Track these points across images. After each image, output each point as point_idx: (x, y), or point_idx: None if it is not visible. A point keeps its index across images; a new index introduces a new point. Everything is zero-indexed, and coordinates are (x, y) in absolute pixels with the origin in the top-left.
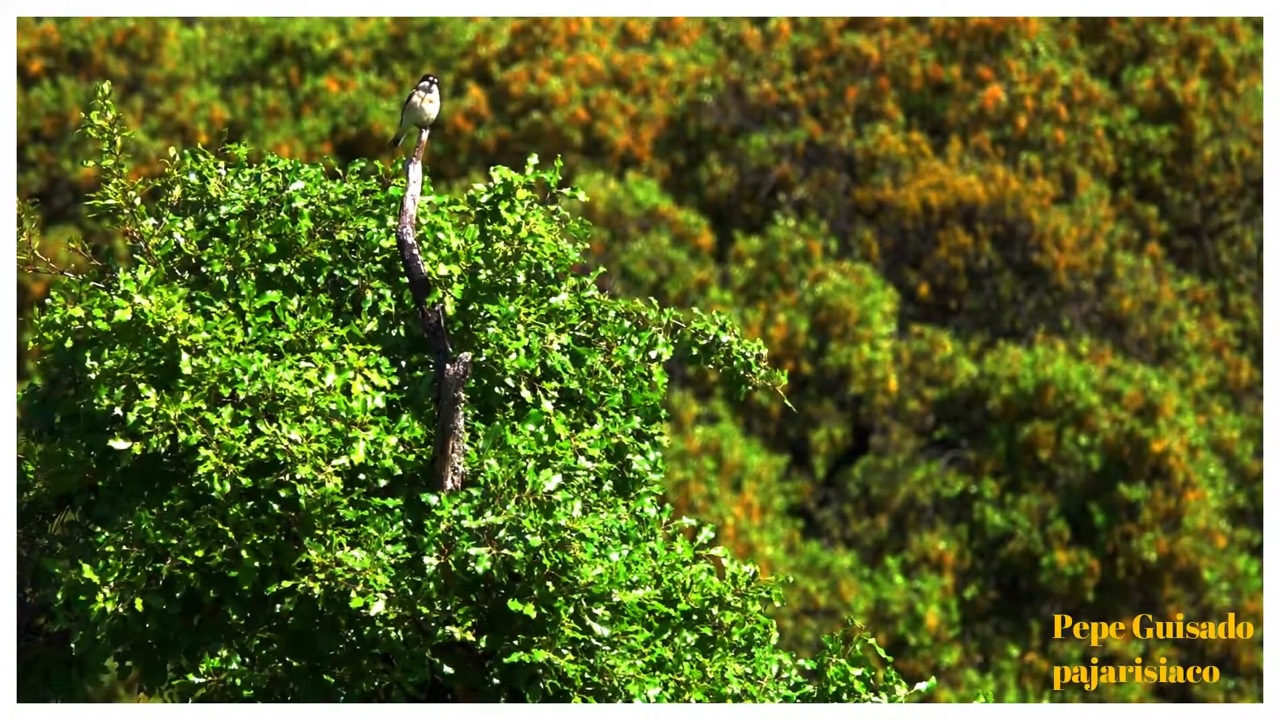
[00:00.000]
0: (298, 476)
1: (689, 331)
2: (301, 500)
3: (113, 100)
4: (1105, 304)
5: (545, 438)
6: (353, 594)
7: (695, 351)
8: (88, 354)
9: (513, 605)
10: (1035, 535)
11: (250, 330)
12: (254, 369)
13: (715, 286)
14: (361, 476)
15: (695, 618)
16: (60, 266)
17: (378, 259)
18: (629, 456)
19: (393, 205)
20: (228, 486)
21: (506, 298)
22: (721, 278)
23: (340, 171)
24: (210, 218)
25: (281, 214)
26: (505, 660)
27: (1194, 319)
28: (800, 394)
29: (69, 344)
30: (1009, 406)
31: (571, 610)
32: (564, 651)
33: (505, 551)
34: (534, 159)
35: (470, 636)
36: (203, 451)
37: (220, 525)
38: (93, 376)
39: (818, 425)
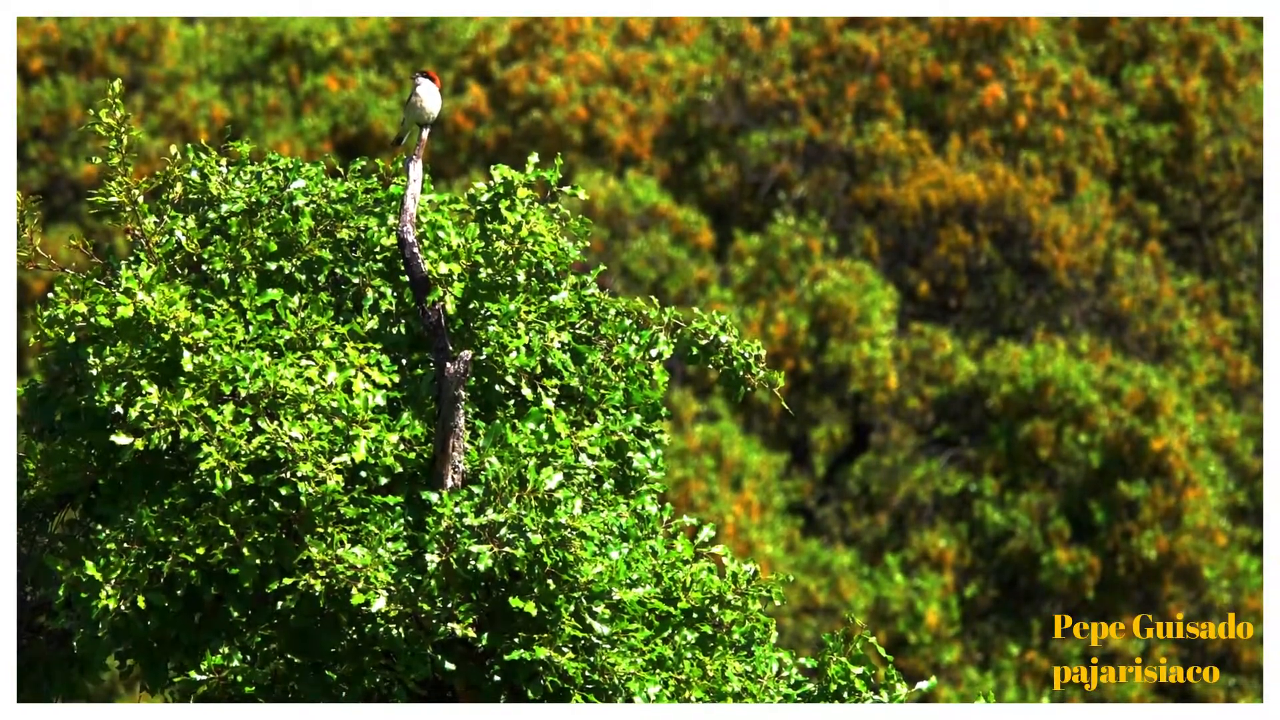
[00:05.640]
0: (299, 474)
1: (689, 331)
2: (303, 498)
3: (119, 99)
4: (1105, 302)
5: (546, 436)
6: (354, 591)
7: (695, 351)
8: (89, 350)
9: (514, 603)
10: (1035, 533)
11: (251, 328)
12: (255, 367)
13: (715, 285)
14: (363, 474)
15: (695, 616)
16: (61, 264)
17: (378, 257)
18: (629, 454)
19: (393, 203)
20: (229, 484)
21: (507, 296)
22: (721, 276)
23: (341, 170)
24: (211, 216)
25: (282, 212)
26: (506, 658)
27: (1194, 317)
28: (800, 392)
29: (71, 339)
30: (1009, 404)
31: (572, 608)
32: (564, 649)
33: (506, 549)
34: (534, 157)
35: (471, 634)
36: (204, 449)
37: (221, 523)
38: (94, 373)
39: (818, 423)
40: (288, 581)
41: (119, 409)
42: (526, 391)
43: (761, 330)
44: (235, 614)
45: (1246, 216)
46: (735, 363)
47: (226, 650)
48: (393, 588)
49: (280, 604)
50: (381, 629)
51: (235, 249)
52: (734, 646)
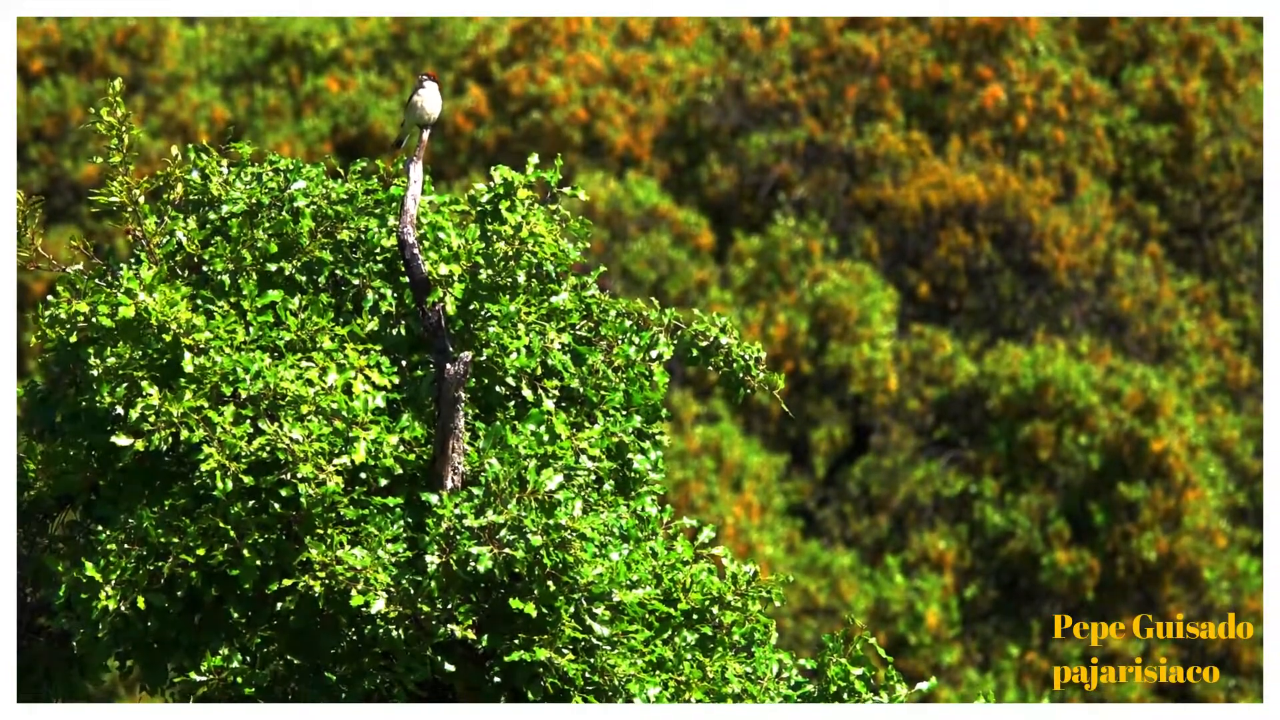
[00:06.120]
0: (299, 475)
1: (689, 332)
2: (303, 499)
3: (120, 98)
4: (1105, 303)
5: (546, 437)
6: (353, 592)
7: (695, 353)
8: (90, 351)
9: (514, 604)
10: (1035, 535)
11: (252, 329)
12: (255, 368)
13: (715, 286)
14: (362, 475)
15: (695, 617)
16: (62, 265)
17: (379, 258)
18: (630, 456)
19: (394, 205)
20: (229, 485)
21: (507, 297)
22: (721, 277)
23: (341, 171)
24: (212, 217)
25: (283, 213)
26: (506, 659)
27: (1194, 318)
28: (800, 393)
29: (73, 339)
30: (1009, 406)
31: (572, 609)
32: (564, 651)
33: (506, 551)
34: (534, 158)
35: (471, 635)
36: (205, 450)
37: (222, 524)
38: (95, 374)
39: (818, 425)
40: (288, 583)
41: (119, 410)
42: (527, 393)
43: (761, 332)
44: (235, 615)
45: (1246, 218)
46: (735, 364)
47: (226, 651)
48: (392, 589)
49: (280, 605)
50: (381, 630)
51: (236, 250)
52: (734, 648)
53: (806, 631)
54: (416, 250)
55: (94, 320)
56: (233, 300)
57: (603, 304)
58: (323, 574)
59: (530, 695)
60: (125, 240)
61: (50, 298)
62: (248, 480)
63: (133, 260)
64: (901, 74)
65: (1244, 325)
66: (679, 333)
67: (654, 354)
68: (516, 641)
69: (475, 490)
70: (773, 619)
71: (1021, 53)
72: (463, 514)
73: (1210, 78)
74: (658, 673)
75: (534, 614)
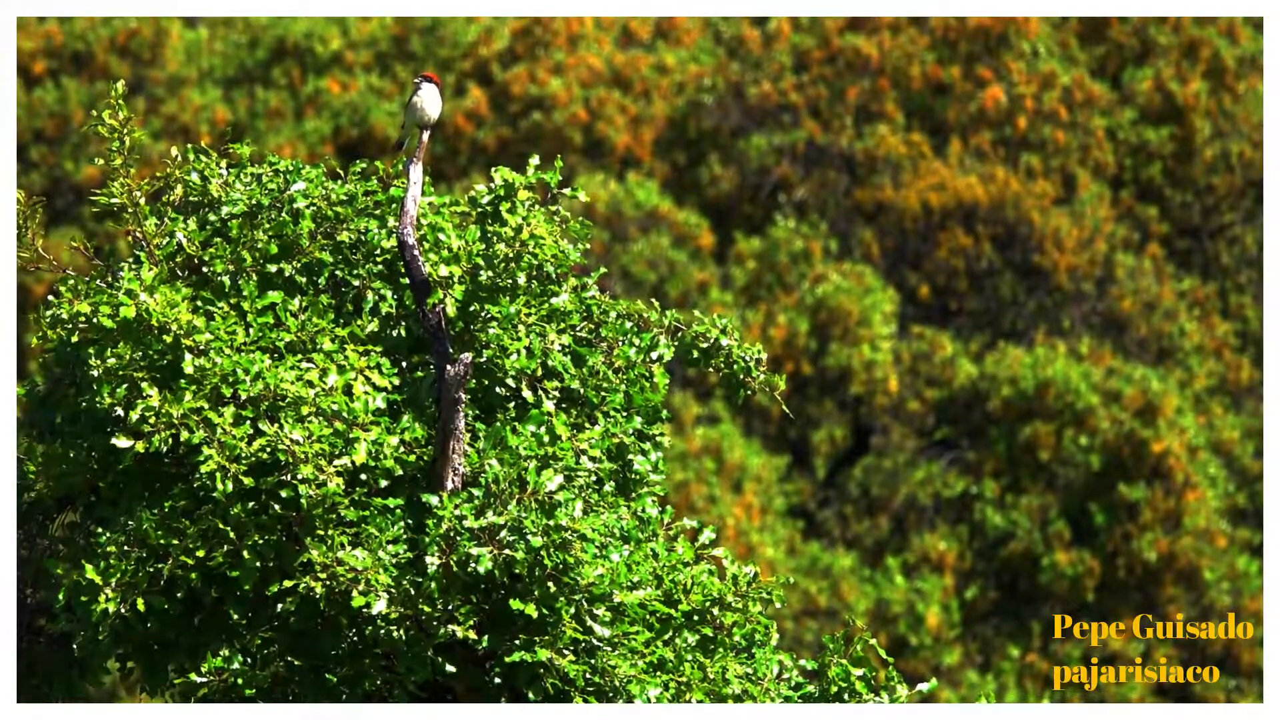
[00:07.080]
0: (299, 476)
1: (690, 334)
2: (303, 500)
3: (123, 100)
4: (1105, 305)
5: (546, 438)
6: (354, 593)
7: (696, 354)
8: (91, 352)
9: (514, 605)
10: (1036, 536)
11: (252, 331)
12: (256, 369)
13: (716, 287)
14: (363, 477)
15: (696, 618)
16: (62, 266)
17: (379, 260)
18: (630, 457)
19: (394, 206)
20: (229, 486)
21: (507, 298)
22: (722, 278)
23: (342, 172)
24: (212, 218)
25: (283, 215)
26: (507, 660)
27: (1194, 319)
28: (801, 395)
29: (74, 340)
30: (1009, 407)
31: (573, 610)
32: (565, 651)
33: (507, 552)
34: (535, 159)
35: (472, 636)
36: (205, 451)
37: (222, 525)
38: (95, 375)
39: (818, 426)
40: (288, 584)
41: (120, 411)
42: (527, 394)
43: (762, 333)
44: (235, 616)
45: (1246, 219)
46: (736, 366)
47: (227, 653)
48: (393, 590)
49: (280, 606)
50: (382, 631)
51: (236, 251)
52: (735, 649)
53: (807, 633)
54: (417, 251)
55: (94, 321)
56: (233, 301)
57: (603, 305)
58: (323, 575)
59: (531, 696)
60: (126, 241)
61: (51, 298)
62: (248, 481)
63: (133, 261)
64: (902, 75)
65: (1244, 326)
66: (679, 334)
67: (654, 355)
68: (517, 642)
69: (475, 491)
70: (773, 620)
71: (1022, 54)
72: (463, 515)
73: (1210, 79)
74: (658, 674)
75: (535, 615)
